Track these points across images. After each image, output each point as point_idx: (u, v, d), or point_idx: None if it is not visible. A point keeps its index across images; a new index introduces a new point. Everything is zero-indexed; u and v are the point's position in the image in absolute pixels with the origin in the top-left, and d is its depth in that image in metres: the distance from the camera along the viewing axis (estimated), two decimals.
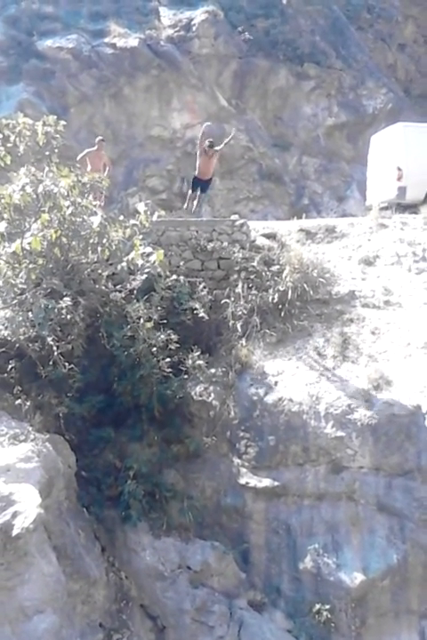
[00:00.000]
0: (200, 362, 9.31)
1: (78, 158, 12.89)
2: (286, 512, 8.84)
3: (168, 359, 8.90)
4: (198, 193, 13.78)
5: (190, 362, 9.26)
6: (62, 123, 10.29)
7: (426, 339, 9.69)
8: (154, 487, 8.52)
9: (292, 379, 9.39)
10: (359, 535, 8.67)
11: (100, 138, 13.80)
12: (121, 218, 9.06)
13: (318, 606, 8.37)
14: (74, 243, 8.84)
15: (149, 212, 9.19)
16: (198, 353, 9.37)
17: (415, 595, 8.52)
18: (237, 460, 9.03)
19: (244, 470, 8.96)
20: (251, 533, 8.83)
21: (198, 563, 8.34)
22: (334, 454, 8.82)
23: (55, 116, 10.28)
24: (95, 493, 8.31)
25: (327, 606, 8.36)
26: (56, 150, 10.26)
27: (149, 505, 8.42)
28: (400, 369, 9.34)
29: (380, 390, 9.09)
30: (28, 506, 6.63)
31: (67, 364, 8.17)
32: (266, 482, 8.85)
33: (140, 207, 9.50)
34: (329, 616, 8.35)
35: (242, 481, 8.90)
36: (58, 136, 10.32)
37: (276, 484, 8.84)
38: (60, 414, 8.09)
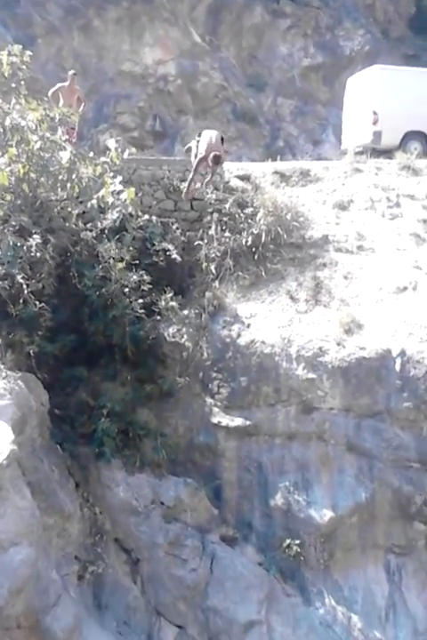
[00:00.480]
0: (173, 303, 9.28)
1: (50, 93, 12.35)
2: (258, 450, 9.01)
3: (141, 300, 8.81)
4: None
5: (163, 303, 9.21)
6: (28, 53, 9.80)
7: (398, 284, 9.81)
8: (127, 425, 8.56)
9: (264, 321, 9.44)
10: (329, 474, 8.91)
11: (73, 72, 13.23)
12: (91, 155, 8.84)
13: (288, 541, 8.63)
14: (42, 179, 8.63)
15: (119, 150, 8.95)
16: (171, 294, 9.32)
17: (382, 531, 8.85)
18: (209, 400, 9.12)
19: (216, 410, 9.06)
20: (223, 471, 9.00)
21: (172, 498, 8.47)
22: (305, 395, 8.97)
23: (21, 47, 9.78)
24: (68, 431, 8.31)
25: (297, 541, 8.63)
26: (23, 82, 9.81)
27: (123, 442, 8.47)
28: (372, 313, 9.46)
29: (351, 334, 9.21)
30: (0, 442, 6.60)
31: (37, 302, 8.02)
32: (238, 421, 8.98)
33: (111, 144, 9.21)
34: (299, 550, 8.63)
35: (214, 420, 9.01)
36: (24, 67, 9.85)
37: (247, 423, 8.98)
38: (32, 353, 7.98)
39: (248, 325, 9.39)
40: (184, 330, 9.22)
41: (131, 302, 8.74)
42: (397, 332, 9.19)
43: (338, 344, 9.08)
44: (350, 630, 8.52)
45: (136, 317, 8.80)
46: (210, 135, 9.95)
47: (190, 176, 9.57)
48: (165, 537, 8.29)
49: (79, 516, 7.81)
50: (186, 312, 9.34)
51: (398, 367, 8.92)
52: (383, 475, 8.76)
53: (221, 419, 9.01)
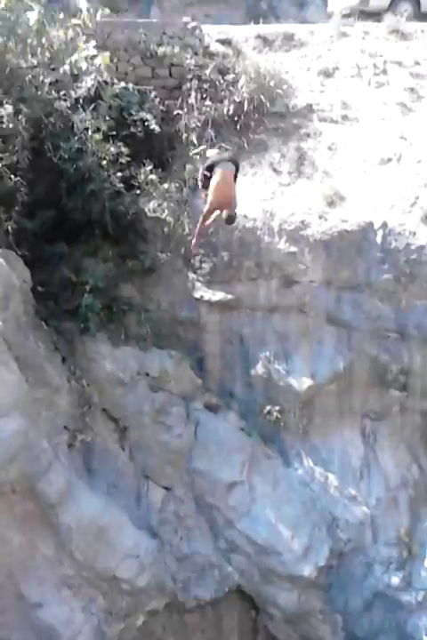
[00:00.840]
0: (153, 177, 9.05)
1: None
2: (239, 323, 9.19)
3: (119, 174, 8.60)
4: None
5: (143, 177, 8.98)
6: None
7: (382, 155, 9.62)
8: (111, 301, 8.61)
9: (246, 195, 9.26)
10: (308, 344, 9.16)
11: None
12: (61, 17, 8.28)
13: (268, 407, 9.02)
14: (10, 43, 8.13)
15: (92, 11, 8.39)
16: (151, 167, 9.07)
17: (359, 397, 9.25)
18: (191, 275, 9.15)
19: (198, 285, 9.12)
20: (206, 343, 9.21)
21: (156, 369, 8.71)
22: (287, 269, 9.03)
23: None
24: (52, 307, 8.31)
25: (277, 407, 9.02)
26: None
27: (107, 317, 8.55)
28: (355, 185, 9.34)
29: (334, 206, 9.14)
30: None
31: (12, 176, 7.78)
32: (220, 295, 9.07)
33: (83, 4, 8.62)
34: (279, 416, 9.04)
35: (197, 294, 9.10)
36: None
37: (229, 297, 9.08)
38: (10, 229, 7.82)
39: None
40: (165, 204, 9.06)
41: (109, 176, 8.52)
42: (379, 205, 9.13)
43: (320, 217, 9.03)
44: (326, 488, 9.12)
45: (115, 192, 8.61)
46: (223, 171, 7.38)
47: (197, 228, 7.79)
48: (151, 406, 8.60)
49: (67, 389, 8.01)
50: (166, 186, 9.12)
51: (379, 239, 8.94)
52: (362, 345, 9.01)
53: (204, 293, 9.08)
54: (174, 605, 8.56)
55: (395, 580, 8.82)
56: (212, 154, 7.98)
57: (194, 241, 7.88)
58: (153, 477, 8.65)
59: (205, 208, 7.46)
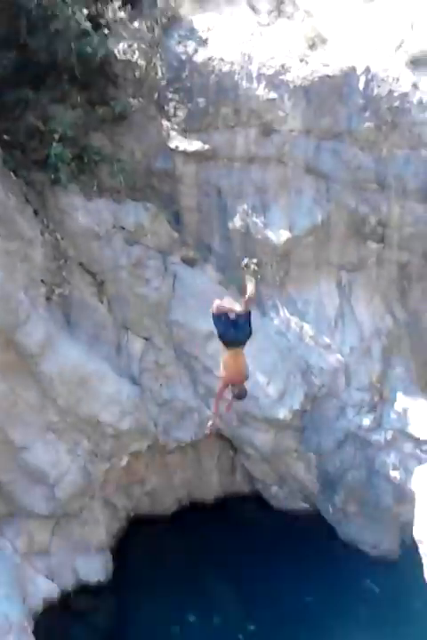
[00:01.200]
0: (122, 14, 8.49)
1: None
2: (217, 175, 8.97)
3: (85, 11, 7.97)
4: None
5: (111, 14, 8.39)
6: None
7: None
8: (81, 150, 8.30)
9: (223, 35, 8.79)
10: (287, 196, 9.04)
11: None
12: None
13: (246, 260, 9.01)
14: None
15: None
16: (119, 4, 8.44)
17: (336, 250, 9.28)
18: (166, 123, 8.80)
19: (173, 133, 8.80)
20: (182, 196, 9.03)
21: (132, 223, 8.60)
22: (265, 117, 8.71)
23: None
24: (20, 157, 7.98)
25: (255, 260, 9.02)
26: None
27: (78, 168, 8.28)
28: (338, 26, 8.83)
29: (315, 49, 8.71)
30: None
31: None
32: (196, 145, 8.78)
33: None
34: (256, 269, 9.06)
35: (172, 144, 8.79)
36: None
37: (206, 147, 8.80)
38: None
39: (205, 40, 8.76)
40: (136, 45, 8.53)
41: (74, 13, 7.90)
42: (362, 47, 8.68)
43: (301, 60, 8.62)
44: (301, 337, 9.38)
45: (82, 31, 8.01)
46: (236, 350, 6.94)
47: (214, 408, 7.40)
48: (128, 259, 8.57)
49: (41, 242, 7.92)
50: (137, 25, 8.54)
51: (361, 85, 8.59)
52: (340, 196, 8.92)
53: (179, 143, 8.78)
54: (156, 447, 9.04)
55: (366, 421, 9.31)
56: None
57: (211, 422, 7.50)
58: (132, 329, 8.80)
59: (219, 385, 7.17)
